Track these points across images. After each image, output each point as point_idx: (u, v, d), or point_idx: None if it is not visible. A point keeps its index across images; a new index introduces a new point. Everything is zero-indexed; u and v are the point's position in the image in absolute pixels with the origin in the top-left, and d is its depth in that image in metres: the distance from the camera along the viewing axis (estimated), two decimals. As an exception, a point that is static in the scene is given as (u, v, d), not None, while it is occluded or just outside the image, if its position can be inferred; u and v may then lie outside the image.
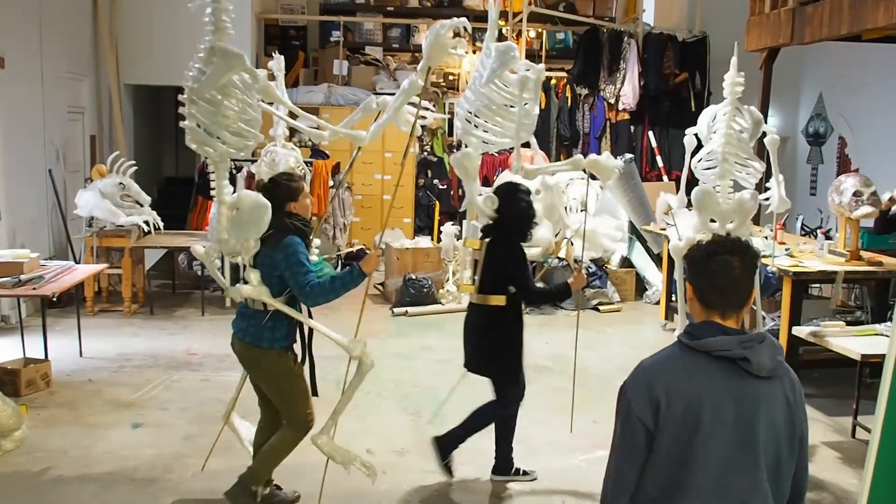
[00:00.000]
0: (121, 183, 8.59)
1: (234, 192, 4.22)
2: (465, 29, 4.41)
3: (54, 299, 6.82)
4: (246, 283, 4.18)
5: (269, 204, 4.06)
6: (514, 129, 4.73)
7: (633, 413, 2.25)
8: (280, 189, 4.25)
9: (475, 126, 4.84)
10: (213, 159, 4.14)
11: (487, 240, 4.83)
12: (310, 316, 4.41)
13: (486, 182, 11.48)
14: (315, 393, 4.53)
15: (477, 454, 5.13)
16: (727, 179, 5.20)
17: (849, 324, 6.30)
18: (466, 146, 5.07)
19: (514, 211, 4.79)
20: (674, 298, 8.67)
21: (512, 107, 4.71)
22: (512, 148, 5.07)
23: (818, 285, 7.87)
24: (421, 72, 4.39)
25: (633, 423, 2.25)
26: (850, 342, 5.34)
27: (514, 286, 4.81)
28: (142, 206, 8.76)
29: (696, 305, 2.34)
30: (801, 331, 5.70)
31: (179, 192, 11.92)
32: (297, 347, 4.53)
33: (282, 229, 4.11)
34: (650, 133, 11.51)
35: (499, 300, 4.78)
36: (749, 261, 2.29)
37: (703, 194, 5.10)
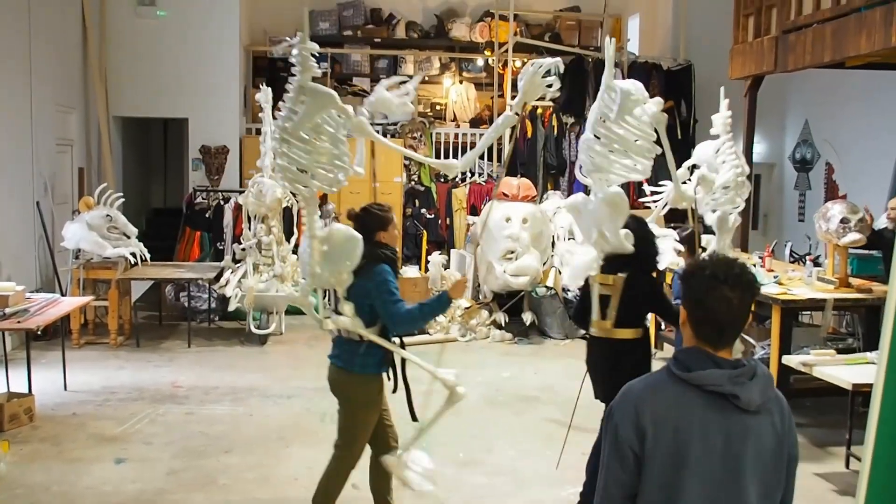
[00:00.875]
0: (108, 215, 8.57)
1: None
2: (558, 69, 4.45)
3: (39, 332, 6.75)
4: (339, 313, 4.22)
5: (361, 237, 4.13)
6: (646, 165, 4.68)
7: (620, 437, 2.23)
8: (371, 218, 4.32)
9: (611, 163, 4.71)
10: (304, 195, 4.17)
11: (622, 274, 4.66)
12: (402, 346, 4.40)
13: (474, 211, 11.50)
14: (414, 418, 4.60)
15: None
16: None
17: (840, 351, 6.27)
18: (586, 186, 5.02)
19: (649, 243, 4.81)
20: (662, 327, 8.65)
21: (637, 141, 4.66)
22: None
23: (808, 313, 7.86)
24: (517, 106, 4.53)
25: (621, 447, 2.23)
26: (841, 371, 5.30)
27: (662, 316, 5.07)
28: (129, 237, 8.73)
29: (687, 331, 2.31)
30: (791, 360, 5.66)
31: (167, 223, 11.92)
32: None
33: (373, 259, 4.16)
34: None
35: (635, 333, 4.73)
36: (749, 297, 2.25)
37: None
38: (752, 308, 2.39)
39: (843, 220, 6.44)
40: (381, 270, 4.14)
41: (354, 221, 4.28)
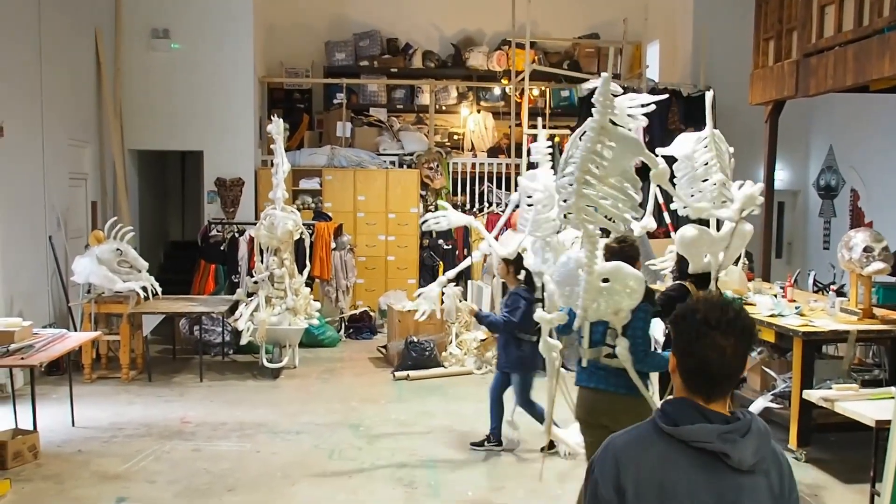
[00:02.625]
0: (118, 249, 8.51)
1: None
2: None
3: (42, 369, 6.67)
4: (606, 344, 4.41)
5: (644, 280, 4.25)
6: None
7: (599, 495, 2.03)
8: (633, 251, 4.58)
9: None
10: (590, 234, 4.16)
11: None
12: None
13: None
14: None
15: None
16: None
17: (865, 383, 6.01)
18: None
19: None
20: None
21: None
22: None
23: (833, 344, 7.59)
24: None
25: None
26: (864, 407, 5.03)
27: None
28: (139, 271, 8.65)
29: (677, 379, 2.11)
30: (812, 395, 5.41)
31: (185, 256, 11.86)
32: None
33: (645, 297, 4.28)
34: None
35: None
36: (745, 345, 2.04)
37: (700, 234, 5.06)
38: (751, 356, 2.18)
39: (867, 249, 6.20)
40: (645, 308, 4.30)
41: (615, 255, 4.42)
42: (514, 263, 6.39)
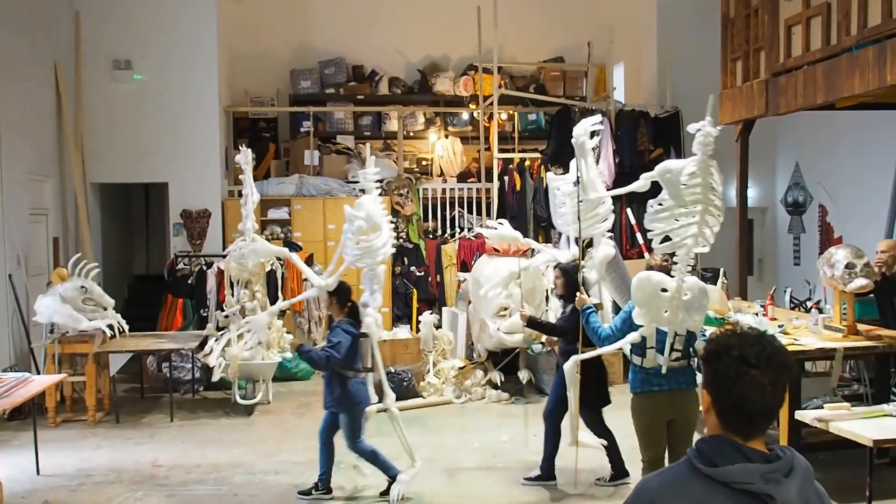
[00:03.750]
0: (82, 286, 8.23)
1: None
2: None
3: (5, 416, 6.37)
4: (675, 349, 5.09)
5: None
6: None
7: None
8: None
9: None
10: (684, 258, 5.03)
11: None
12: None
13: (465, 267, 11.22)
14: None
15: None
16: None
17: (847, 398, 5.96)
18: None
19: None
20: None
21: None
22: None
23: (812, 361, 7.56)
24: None
25: None
26: (859, 426, 4.97)
27: None
28: (105, 309, 8.37)
29: (713, 419, 1.99)
30: (806, 415, 5.34)
31: (150, 291, 11.56)
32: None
33: None
34: (629, 210, 11.35)
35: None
36: (784, 380, 1.94)
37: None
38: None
39: (849, 266, 6.18)
40: None
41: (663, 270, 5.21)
42: (337, 294, 6.16)
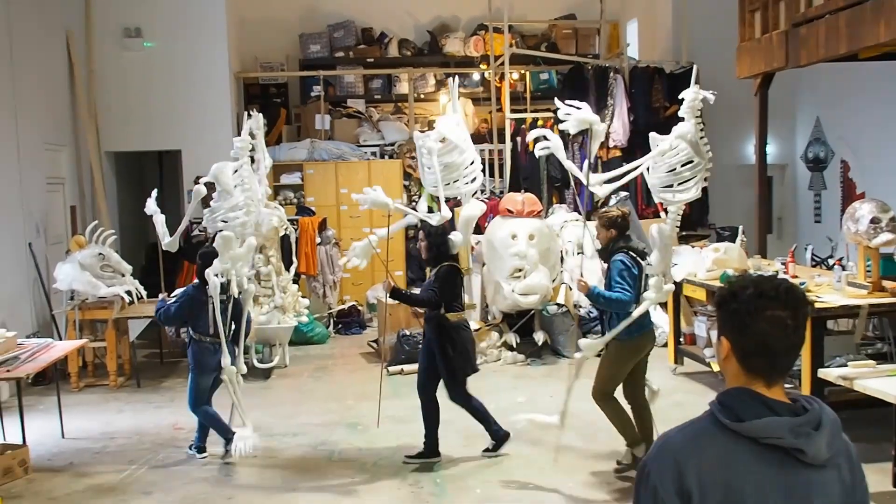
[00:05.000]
0: (100, 253, 8.27)
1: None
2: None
3: (29, 381, 6.45)
4: None
5: None
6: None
7: (662, 501, 1.84)
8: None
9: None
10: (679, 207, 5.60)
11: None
12: None
13: (478, 229, 11.16)
14: None
15: None
16: None
17: (871, 357, 5.89)
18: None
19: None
20: (682, 341, 8.33)
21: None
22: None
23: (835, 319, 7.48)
24: None
25: None
26: (884, 384, 4.88)
27: None
28: (123, 275, 8.41)
29: (733, 367, 1.93)
30: (829, 374, 5.27)
31: (168, 257, 11.53)
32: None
33: None
34: (645, 171, 11.26)
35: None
36: (803, 316, 1.88)
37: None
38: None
39: (874, 220, 6.06)
40: None
41: (616, 226, 5.62)
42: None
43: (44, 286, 8.89)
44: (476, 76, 13.42)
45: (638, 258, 5.51)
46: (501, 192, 11.43)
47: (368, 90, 13.36)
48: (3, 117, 8.50)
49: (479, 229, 11.13)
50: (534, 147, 11.43)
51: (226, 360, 6.11)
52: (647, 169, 5.65)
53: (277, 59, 13.14)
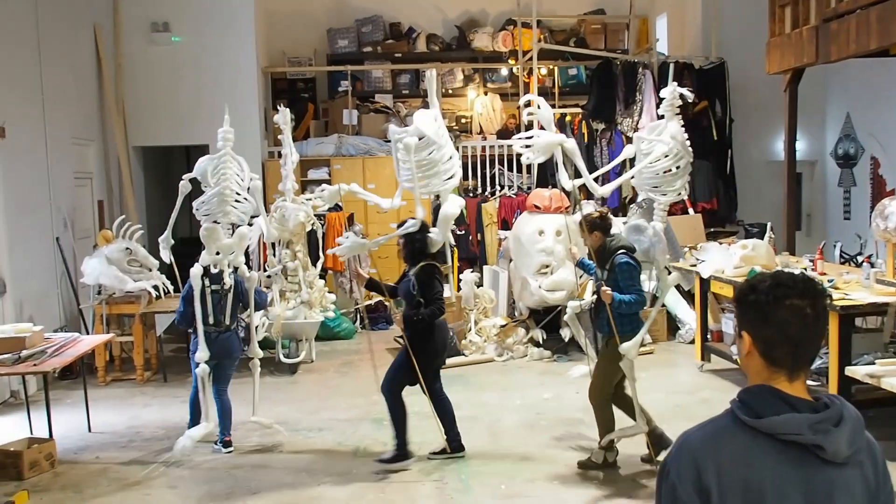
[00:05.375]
0: (127, 248, 8.34)
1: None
2: None
3: (55, 374, 6.50)
4: None
5: None
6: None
7: (679, 499, 1.84)
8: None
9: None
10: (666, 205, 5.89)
11: None
12: None
13: (506, 225, 11.14)
14: None
15: None
16: None
17: (897, 356, 5.81)
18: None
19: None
20: (709, 338, 8.25)
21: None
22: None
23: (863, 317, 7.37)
24: None
25: None
26: (912, 382, 4.85)
27: None
28: (150, 270, 8.47)
29: (755, 362, 1.91)
30: (856, 371, 5.22)
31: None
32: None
33: None
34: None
35: None
36: (822, 307, 1.87)
37: None
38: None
39: (904, 217, 5.98)
40: None
41: (597, 227, 5.66)
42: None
43: (71, 280, 8.98)
44: (504, 71, 13.37)
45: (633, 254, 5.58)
46: (529, 188, 11.37)
47: (396, 85, 13.35)
48: (32, 112, 8.57)
49: (506, 225, 11.12)
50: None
51: (200, 354, 6.14)
52: (627, 163, 5.84)
53: (305, 53, 13.17)
